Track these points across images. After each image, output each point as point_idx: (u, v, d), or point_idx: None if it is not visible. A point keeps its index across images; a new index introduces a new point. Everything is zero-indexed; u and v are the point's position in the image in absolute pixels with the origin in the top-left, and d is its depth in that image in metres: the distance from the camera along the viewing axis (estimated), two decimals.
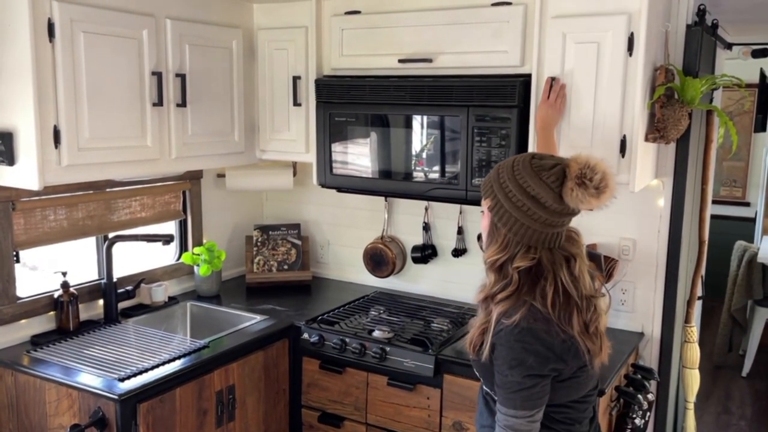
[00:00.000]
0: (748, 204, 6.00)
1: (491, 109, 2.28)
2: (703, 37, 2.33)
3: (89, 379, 2.07)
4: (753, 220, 5.67)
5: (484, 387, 1.67)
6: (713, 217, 2.68)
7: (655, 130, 2.18)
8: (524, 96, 2.25)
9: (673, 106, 2.16)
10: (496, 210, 1.49)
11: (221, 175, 3.11)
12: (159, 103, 2.34)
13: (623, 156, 2.13)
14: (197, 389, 2.21)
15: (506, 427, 1.50)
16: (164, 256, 2.96)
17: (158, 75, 2.33)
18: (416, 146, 2.47)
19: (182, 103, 2.43)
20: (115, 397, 1.97)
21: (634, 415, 2.25)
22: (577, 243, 1.57)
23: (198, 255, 2.89)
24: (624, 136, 2.12)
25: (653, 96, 2.14)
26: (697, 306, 2.73)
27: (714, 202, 2.70)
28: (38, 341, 2.34)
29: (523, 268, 1.48)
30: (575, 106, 2.18)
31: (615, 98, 2.12)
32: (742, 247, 4.62)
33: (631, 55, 2.08)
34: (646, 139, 2.18)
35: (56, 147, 2.04)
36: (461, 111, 2.33)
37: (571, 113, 2.19)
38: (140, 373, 2.11)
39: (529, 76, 2.25)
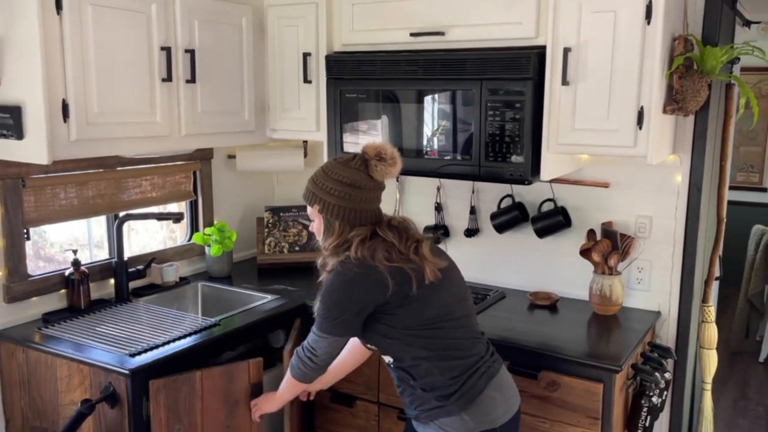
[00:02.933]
0: (765, 189, 5.90)
1: (505, 82, 2.24)
2: (722, 9, 2.28)
3: (100, 354, 2.06)
4: None
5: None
6: (729, 203, 2.62)
7: (674, 102, 2.12)
8: (539, 68, 2.21)
9: (692, 76, 2.10)
10: (325, 209, 1.80)
11: (232, 156, 3.09)
12: (168, 78, 2.32)
13: (640, 128, 2.08)
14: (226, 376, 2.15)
15: None
16: (176, 237, 2.95)
17: (167, 50, 2.31)
18: (428, 122, 2.43)
19: (192, 80, 2.41)
20: (126, 372, 1.96)
21: (651, 394, 2.21)
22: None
23: (209, 235, 2.87)
24: (641, 108, 2.07)
25: (672, 66, 2.09)
26: (714, 287, 2.68)
27: (730, 187, 2.63)
28: (49, 319, 2.33)
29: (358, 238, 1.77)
30: (591, 77, 2.14)
31: (632, 69, 2.07)
32: (760, 231, 4.54)
33: (649, 23, 2.02)
34: (664, 111, 2.13)
35: (65, 121, 2.02)
36: (474, 85, 2.29)
37: (587, 84, 2.14)
38: (151, 349, 2.10)
39: (543, 47, 2.21)
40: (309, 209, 1.87)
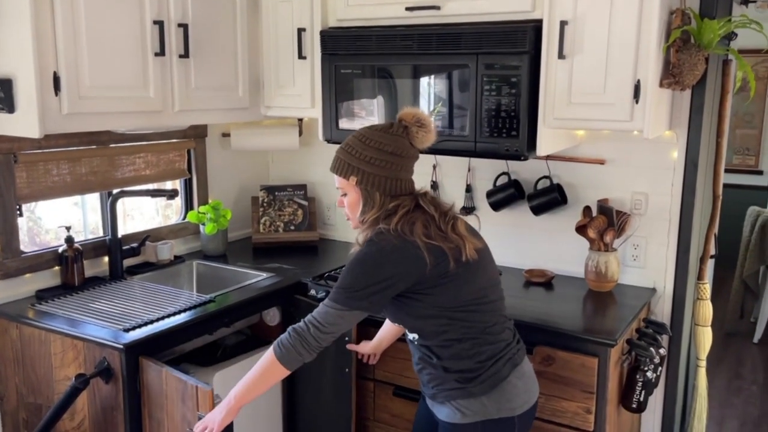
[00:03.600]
0: (761, 172, 5.91)
1: (501, 56, 2.22)
2: None
3: (94, 330, 2.05)
4: (766, 189, 5.59)
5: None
6: (725, 186, 2.61)
7: (670, 75, 2.11)
8: (535, 42, 2.19)
9: (689, 50, 2.09)
10: (364, 180, 1.71)
11: (226, 135, 3.07)
12: (161, 53, 2.29)
13: (637, 102, 2.07)
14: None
15: None
16: (170, 216, 2.94)
17: (160, 24, 2.28)
18: (424, 98, 2.41)
19: (185, 54, 2.38)
20: (121, 346, 1.96)
21: (646, 368, 2.21)
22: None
23: (203, 213, 2.86)
24: (638, 81, 2.06)
25: (669, 39, 2.07)
26: (710, 267, 2.69)
27: (726, 170, 2.62)
28: (43, 295, 2.32)
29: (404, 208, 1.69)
30: (588, 50, 2.12)
31: (629, 42, 2.06)
32: (755, 213, 4.55)
33: None
34: (661, 85, 2.12)
35: (56, 94, 2.00)
36: (470, 59, 2.27)
37: (584, 58, 2.13)
38: (146, 324, 2.10)
39: (540, 21, 2.18)
40: (341, 182, 1.76)
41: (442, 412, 1.78)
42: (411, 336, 1.81)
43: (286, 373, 1.72)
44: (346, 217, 1.83)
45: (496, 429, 1.73)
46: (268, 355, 1.71)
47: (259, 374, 1.71)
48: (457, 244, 1.68)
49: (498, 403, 1.72)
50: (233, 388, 1.73)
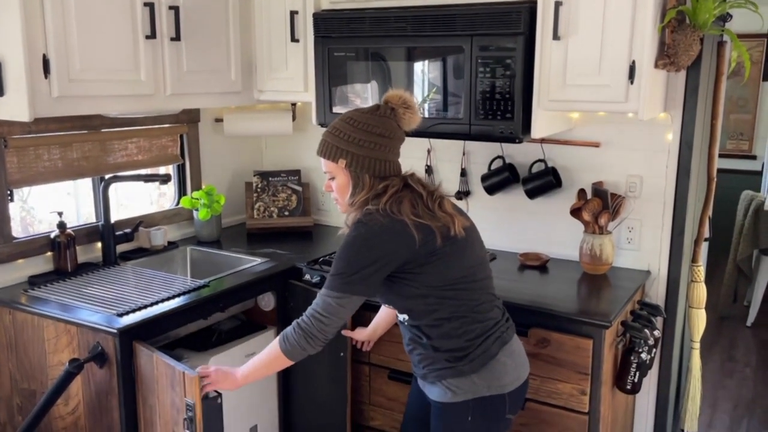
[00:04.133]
0: (754, 157, 5.92)
1: (495, 38, 2.20)
2: None
3: (88, 315, 2.04)
4: (760, 173, 5.59)
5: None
6: (719, 171, 2.60)
7: (665, 56, 2.10)
8: (530, 23, 2.17)
9: (684, 30, 2.08)
10: (354, 163, 1.70)
11: (219, 120, 3.05)
12: (152, 35, 2.27)
13: (632, 82, 2.06)
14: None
15: None
16: (164, 205, 2.92)
17: (150, 6, 2.25)
18: (418, 81, 2.40)
19: (176, 37, 2.36)
20: (114, 331, 1.94)
21: (640, 350, 2.22)
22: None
23: (197, 199, 2.84)
24: (633, 62, 2.05)
25: (664, 20, 2.06)
26: (704, 250, 2.69)
27: (720, 155, 2.61)
28: (36, 281, 2.31)
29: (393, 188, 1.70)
30: (583, 31, 2.11)
31: (624, 22, 2.04)
32: (749, 197, 4.56)
33: None
34: (656, 66, 2.11)
35: (46, 77, 1.97)
36: (464, 41, 2.25)
37: (579, 39, 2.11)
38: (140, 309, 2.08)
39: (534, 2, 2.17)
40: (329, 165, 1.74)
41: (433, 392, 1.79)
42: (401, 317, 1.81)
43: (290, 363, 1.76)
44: (335, 200, 1.82)
45: (487, 407, 1.75)
46: (274, 347, 1.74)
47: (265, 363, 1.78)
48: (445, 222, 1.69)
49: (488, 381, 1.73)
50: (243, 365, 1.80)
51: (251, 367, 1.79)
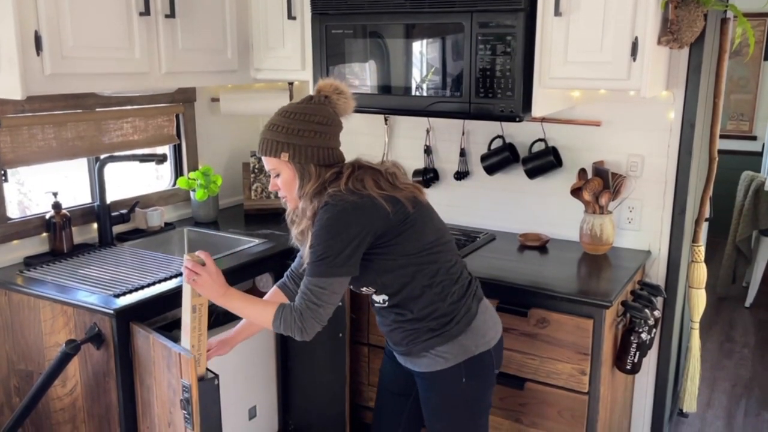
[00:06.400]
0: (755, 138, 5.88)
1: (496, 14, 2.16)
2: None
3: (84, 296, 2.03)
4: (760, 154, 5.56)
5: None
6: (719, 152, 2.57)
7: (669, 33, 2.07)
8: None
9: (687, 6, 2.04)
10: (297, 155, 1.67)
11: (215, 100, 3.01)
12: (146, 12, 2.22)
13: (634, 59, 2.03)
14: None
15: None
16: (159, 183, 2.89)
17: None
18: (417, 59, 2.36)
19: (171, 14, 2.31)
20: (111, 312, 1.93)
21: (641, 330, 2.21)
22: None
23: (194, 179, 2.81)
24: (636, 39, 2.02)
25: None
26: (704, 229, 2.67)
27: (720, 136, 2.58)
28: (32, 262, 2.29)
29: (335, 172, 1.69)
30: (584, 7, 2.07)
31: None
32: (749, 177, 4.53)
33: None
34: (659, 42, 2.08)
35: (38, 54, 1.93)
36: (464, 17, 2.21)
37: (580, 15, 2.08)
38: (136, 289, 2.07)
39: None
40: (272, 162, 1.70)
41: (421, 364, 1.79)
42: (379, 298, 1.79)
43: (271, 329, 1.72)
44: (282, 199, 1.78)
45: (477, 365, 1.78)
46: (267, 316, 1.68)
47: (251, 315, 1.75)
48: (410, 191, 1.73)
49: (475, 339, 1.77)
50: (236, 296, 1.74)
51: (238, 303, 1.73)
